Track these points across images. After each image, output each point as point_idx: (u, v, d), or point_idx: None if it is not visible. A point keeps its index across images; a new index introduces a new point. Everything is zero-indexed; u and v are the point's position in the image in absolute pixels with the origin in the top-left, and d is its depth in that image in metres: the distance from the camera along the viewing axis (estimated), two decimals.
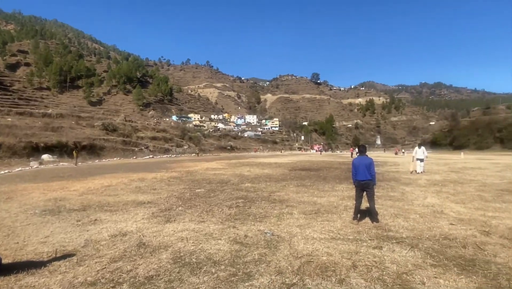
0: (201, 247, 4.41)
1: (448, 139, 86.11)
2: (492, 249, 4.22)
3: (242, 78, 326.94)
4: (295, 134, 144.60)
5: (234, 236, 4.88)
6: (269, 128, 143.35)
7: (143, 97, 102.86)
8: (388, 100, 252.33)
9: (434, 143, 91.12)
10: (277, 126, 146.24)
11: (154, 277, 3.46)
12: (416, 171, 15.25)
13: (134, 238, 4.86)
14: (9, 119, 37.83)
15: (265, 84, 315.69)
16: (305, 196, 8.62)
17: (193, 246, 4.47)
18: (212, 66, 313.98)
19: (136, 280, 3.39)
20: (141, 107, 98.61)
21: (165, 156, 47.93)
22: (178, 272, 3.57)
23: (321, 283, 3.25)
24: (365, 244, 4.50)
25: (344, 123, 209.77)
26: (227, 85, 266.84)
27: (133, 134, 51.97)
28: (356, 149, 43.33)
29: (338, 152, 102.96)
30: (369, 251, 4.18)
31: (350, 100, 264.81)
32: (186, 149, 58.36)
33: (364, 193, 5.84)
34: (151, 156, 44.32)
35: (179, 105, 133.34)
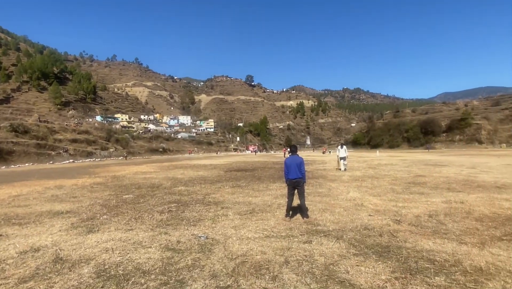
0: (129, 257, 4.08)
1: (366, 139, 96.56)
2: (402, 235, 4.80)
3: (175, 78, 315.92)
4: (230, 135, 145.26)
5: (166, 243, 4.64)
6: (204, 129, 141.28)
7: (61, 95, 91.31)
8: (316, 103, 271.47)
9: (355, 143, 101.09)
10: (212, 128, 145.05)
11: None
12: (340, 168, 16.47)
13: (49, 253, 4.27)
14: None
15: (199, 85, 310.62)
16: (240, 197, 8.68)
17: (120, 256, 4.11)
18: (142, 64, 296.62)
19: None
20: (58, 106, 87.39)
21: (88, 160, 43.57)
22: (102, 287, 3.24)
23: (255, 283, 3.28)
24: (296, 239, 4.71)
25: (277, 124, 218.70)
26: (158, 84, 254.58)
27: (49, 136, 46.02)
28: (288, 149, 45.82)
29: (272, 152, 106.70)
30: (300, 246, 4.38)
31: (282, 102, 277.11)
32: (112, 152, 53.91)
33: (296, 191, 6.12)
34: (71, 160, 39.86)
35: (104, 104, 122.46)
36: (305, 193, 6.24)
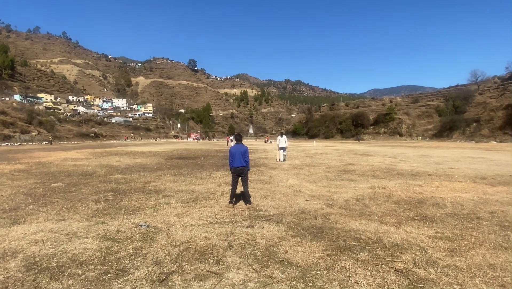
0: (63, 248, 3.83)
1: (305, 130, 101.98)
2: (334, 218, 5.32)
3: (109, 57, 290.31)
4: (171, 121, 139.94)
5: (104, 232, 4.45)
6: (141, 114, 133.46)
7: None
8: (259, 93, 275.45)
9: (294, 133, 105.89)
10: (151, 113, 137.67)
11: None
12: (279, 159, 15.85)
13: None
14: None
15: (137, 66, 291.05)
16: (183, 185, 8.59)
17: (52, 248, 3.83)
18: (71, 39, 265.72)
19: None
20: None
21: (4, 144, 38.15)
22: (33, 280, 3.01)
23: (199, 267, 3.38)
24: (239, 224, 4.91)
25: (221, 112, 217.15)
26: (89, 63, 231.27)
27: None
28: (232, 137, 45.74)
29: (214, 140, 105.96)
30: (243, 231, 4.59)
31: (226, 90, 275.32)
32: (35, 136, 47.98)
33: (240, 178, 6.30)
34: None
35: (25, 82, 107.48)
36: (248, 181, 6.46)
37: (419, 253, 3.78)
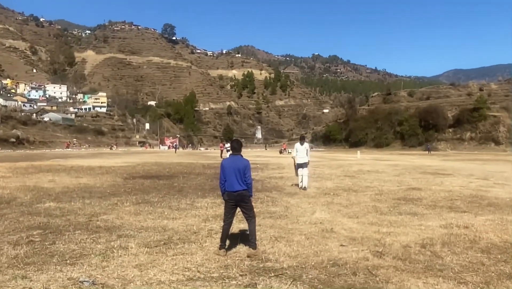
0: None
1: (344, 134, 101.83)
2: (384, 273, 5.29)
3: (42, 20, 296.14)
4: (135, 120, 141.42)
5: None
6: (90, 108, 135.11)
7: None
8: (272, 75, 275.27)
9: (327, 138, 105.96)
10: (104, 107, 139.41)
11: None
12: (302, 185, 14.17)
13: None
14: None
15: (84, 34, 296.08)
16: (149, 219, 8.65)
17: None
18: None
19: None
20: None
21: None
22: None
23: None
24: (234, 282, 4.91)
25: (213, 106, 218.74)
26: (10, 29, 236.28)
27: None
28: (228, 145, 45.68)
29: (202, 148, 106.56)
30: None
31: (220, 71, 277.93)
32: None
33: (238, 210, 6.33)
34: None
35: None
36: (254, 212, 6.42)
37: None
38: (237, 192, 6.12)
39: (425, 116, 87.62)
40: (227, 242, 6.31)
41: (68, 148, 75.05)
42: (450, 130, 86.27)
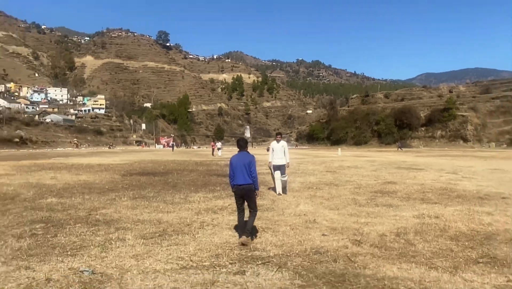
0: None
1: (326, 133, 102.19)
2: (362, 260, 5.33)
3: (43, 27, 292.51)
4: (132, 121, 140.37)
5: (29, 282, 4.45)
6: (89, 110, 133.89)
7: None
8: (260, 79, 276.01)
9: (311, 137, 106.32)
10: (103, 108, 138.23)
11: None
12: (278, 191, 11.50)
13: None
14: None
15: (83, 41, 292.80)
16: (145, 213, 8.62)
17: None
18: None
19: None
20: None
21: None
22: None
23: None
24: (224, 270, 4.91)
25: (204, 107, 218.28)
26: (14, 35, 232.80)
27: None
28: (220, 144, 45.81)
29: (194, 147, 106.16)
30: (229, 279, 4.59)
31: (212, 75, 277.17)
32: None
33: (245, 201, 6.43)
34: None
35: None
36: (256, 206, 6.53)
37: None
38: (242, 186, 6.24)
39: (399, 116, 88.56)
40: (247, 232, 6.23)
41: (75, 147, 74.49)
42: (423, 129, 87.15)
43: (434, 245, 6.05)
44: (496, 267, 5.01)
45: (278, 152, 11.40)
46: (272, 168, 11.86)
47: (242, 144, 6.57)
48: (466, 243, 6.12)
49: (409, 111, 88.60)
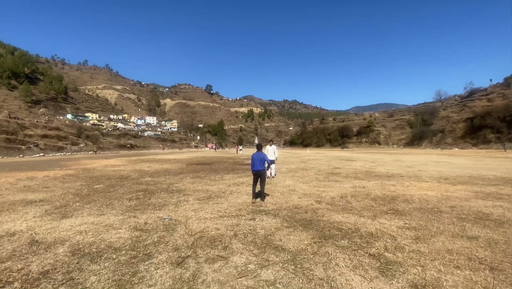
0: (101, 237, 3.89)
1: (300, 140, 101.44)
2: (321, 212, 5.30)
3: (143, 83, 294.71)
4: (192, 134, 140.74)
5: (135, 224, 4.49)
6: (168, 129, 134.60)
7: (32, 94, 78.46)
8: (263, 110, 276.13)
9: (292, 143, 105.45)
10: (176, 128, 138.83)
11: (50, 271, 2.88)
12: (270, 174, 10.77)
13: (25, 237, 3.86)
14: None
15: (164, 90, 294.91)
16: (199, 185, 8.62)
17: (93, 237, 3.89)
18: (112, 69, 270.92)
19: (29, 277, 2.75)
20: (29, 104, 74.83)
21: (58, 154, 38.71)
22: (77, 263, 3.07)
23: (210, 252, 3.40)
24: (243, 218, 4.92)
25: (232, 126, 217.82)
26: (127, 88, 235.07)
27: (19, 132, 39.70)
28: (241, 147, 45.68)
29: (226, 149, 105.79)
30: (246, 223, 4.60)
31: (236, 109, 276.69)
32: (82, 147, 48.65)
33: (259, 180, 6.41)
34: (41, 154, 35.03)
35: (75, 104, 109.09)
36: (265, 182, 6.61)
37: (389, 241, 3.75)
38: (259, 171, 6.27)
39: (342, 131, 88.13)
40: (257, 198, 6.25)
41: (164, 150, 74.99)
42: (355, 137, 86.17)
43: (362, 203, 5.98)
44: (398, 216, 4.94)
45: (270, 151, 10.84)
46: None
47: (259, 147, 6.59)
48: (381, 202, 6.05)
49: (347, 128, 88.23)
